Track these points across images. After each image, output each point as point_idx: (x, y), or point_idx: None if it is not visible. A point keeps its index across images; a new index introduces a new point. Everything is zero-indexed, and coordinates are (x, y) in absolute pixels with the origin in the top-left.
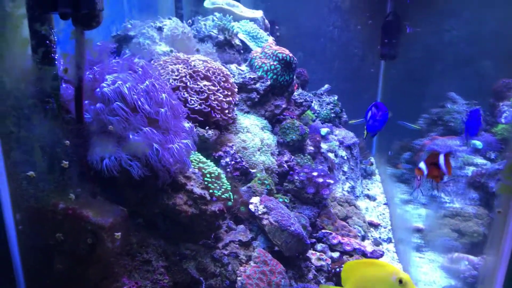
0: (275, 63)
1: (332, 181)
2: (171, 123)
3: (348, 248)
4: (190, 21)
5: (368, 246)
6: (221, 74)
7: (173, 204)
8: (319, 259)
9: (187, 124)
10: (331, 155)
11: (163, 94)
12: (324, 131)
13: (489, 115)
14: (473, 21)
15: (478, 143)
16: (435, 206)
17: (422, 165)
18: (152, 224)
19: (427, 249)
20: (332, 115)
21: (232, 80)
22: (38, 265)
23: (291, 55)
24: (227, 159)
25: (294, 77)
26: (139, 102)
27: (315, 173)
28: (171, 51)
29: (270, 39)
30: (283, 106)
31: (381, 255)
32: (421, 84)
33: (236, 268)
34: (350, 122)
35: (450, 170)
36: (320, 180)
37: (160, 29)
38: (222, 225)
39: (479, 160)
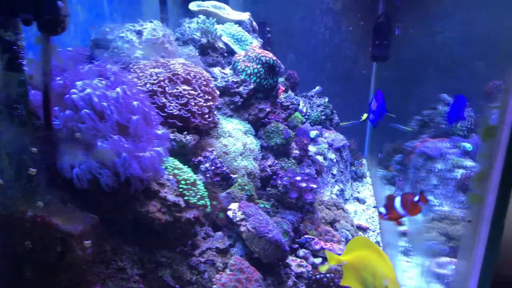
0: (258, 66)
1: (315, 186)
2: (143, 131)
3: None
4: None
5: None
6: (202, 78)
7: (146, 211)
8: (299, 265)
9: (159, 131)
10: (320, 158)
11: (135, 102)
12: (313, 133)
13: (480, 117)
14: (466, 23)
15: (467, 145)
16: (424, 209)
17: (382, 209)
18: (127, 231)
19: (415, 253)
20: (323, 117)
21: (213, 84)
22: (7, 273)
23: (274, 58)
24: (207, 165)
25: (278, 80)
26: (108, 110)
27: (298, 178)
28: (137, 57)
29: (255, 42)
30: (267, 109)
31: None
32: (414, 85)
33: (213, 276)
34: (342, 124)
35: (412, 211)
36: (303, 184)
37: (139, 32)
38: (200, 232)
39: (469, 163)
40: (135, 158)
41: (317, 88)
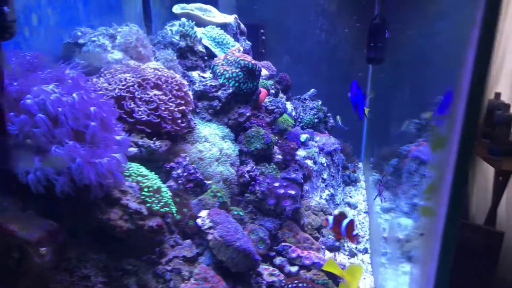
0: (237, 70)
1: (293, 192)
2: (100, 136)
3: (307, 262)
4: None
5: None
6: (174, 83)
7: (107, 219)
8: (271, 274)
9: (118, 137)
10: (309, 162)
11: (92, 107)
12: (303, 137)
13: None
14: (464, 24)
15: None
16: (415, 216)
17: (330, 218)
18: (93, 239)
19: (403, 260)
20: (316, 120)
21: (186, 88)
22: None
23: (253, 62)
24: (179, 171)
25: (259, 84)
26: (62, 116)
27: (276, 184)
28: (108, 62)
29: (237, 45)
30: (248, 114)
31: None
32: (411, 88)
33: (178, 284)
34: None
35: (350, 236)
36: (281, 191)
37: (113, 36)
38: (169, 240)
39: None
40: (91, 165)
41: (312, 90)
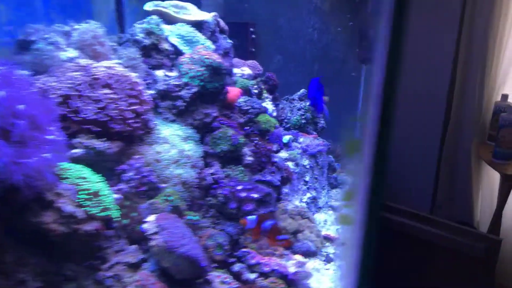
0: (202, 69)
1: (256, 195)
2: (29, 136)
3: (266, 269)
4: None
5: (291, 267)
6: (126, 82)
7: (40, 222)
8: (222, 282)
9: (51, 137)
10: (290, 164)
11: (21, 105)
12: (286, 138)
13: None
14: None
15: None
16: None
17: (252, 217)
18: (32, 243)
19: None
20: (303, 121)
21: (141, 87)
22: None
23: (218, 60)
24: (131, 173)
25: (225, 83)
26: None
27: (239, 187)
28: (61, 60)
29: (208, 43)
30: (214, 114)
31: (306, 276)
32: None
33: None
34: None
35: (271, 239)
36: (243, 194)
37: (68, 33)
38: (114, 245)
39: None
40: (17, 164)
41: (302, 91)
